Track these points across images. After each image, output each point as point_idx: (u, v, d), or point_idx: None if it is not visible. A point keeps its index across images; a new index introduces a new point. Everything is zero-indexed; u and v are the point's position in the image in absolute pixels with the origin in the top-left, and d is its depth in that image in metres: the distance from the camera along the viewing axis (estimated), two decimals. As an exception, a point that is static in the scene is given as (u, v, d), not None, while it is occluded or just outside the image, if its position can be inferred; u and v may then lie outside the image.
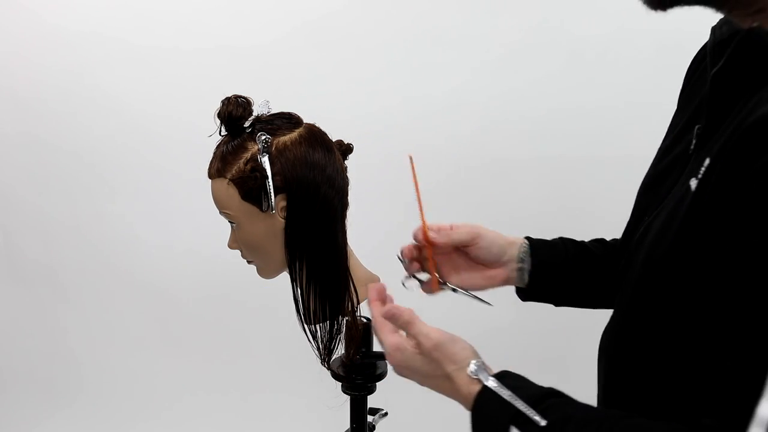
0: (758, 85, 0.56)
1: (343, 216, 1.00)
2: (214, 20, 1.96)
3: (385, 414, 1.12)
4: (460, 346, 0.74)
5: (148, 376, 2.24)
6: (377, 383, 1.06)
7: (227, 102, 0.93)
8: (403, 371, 0.77)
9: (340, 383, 1.06)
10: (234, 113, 0.92)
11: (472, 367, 0.70)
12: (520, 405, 0.65)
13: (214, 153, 0.95)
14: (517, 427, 0.64)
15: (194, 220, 2.02)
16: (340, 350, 1.04)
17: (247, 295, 1.96)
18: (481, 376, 0.69)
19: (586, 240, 0.98)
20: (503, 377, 0.70)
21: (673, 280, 0.61)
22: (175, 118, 2.01)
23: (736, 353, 0.52)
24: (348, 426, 1.09)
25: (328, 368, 1.04)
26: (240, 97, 0.93)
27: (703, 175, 0.60)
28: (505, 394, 0.66)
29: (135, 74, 2.02)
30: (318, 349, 1.01)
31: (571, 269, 0.93)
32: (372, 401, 1.09)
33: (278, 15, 1.92)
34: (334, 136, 1.00)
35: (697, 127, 0.66)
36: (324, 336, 1.00)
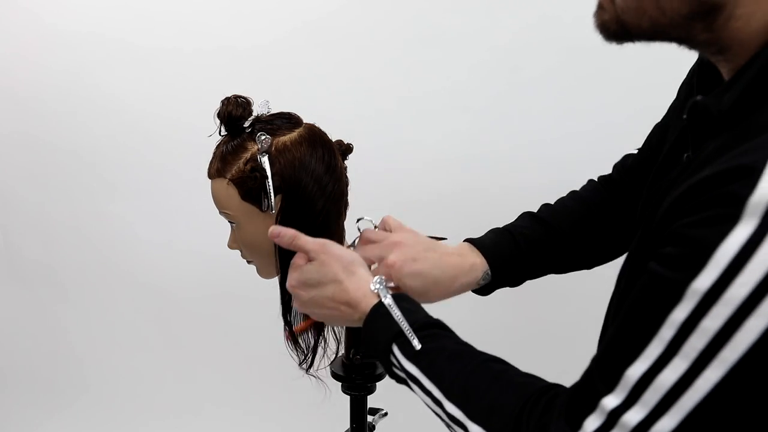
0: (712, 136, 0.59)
1: (343, 216, 1.00)
2: (214, 20, 1.96)
3: (385, 414, 1.12)
4: (344, 249, 0.82)
5: (148, 375, 2.24)
6: (377, 383, 1.06)
7: (227, 102, 0.93)
8: (300, 292, 0.80)
9: (340, 383, 1.06)
10: (234, 113, 0.92)
11: (376, 281, 0.77)
12: (405, 326, 0.72)
13: (214, 153, 0.95)
14: (398, 346, 0.72)
15: (194, 220, 2.02)
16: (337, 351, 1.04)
17: (247, 294, 1.96)
18: (382, 293, 0.76)
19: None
20: (400, 298, 0.76)
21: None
22: (175, 118, 2.01)
23: (601, 350, 0.60)
24: (348, 426, 1.09)
25: (307, 372, 1.04)
26: (240, 97, 0.93)
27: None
28: (396, 314, 0.73)
29: (135, 74, 2.02)
30: (302, 351, 1.02)
31: (526, 262, 0.95)
32: (372, 401, 1.09)
33: (278, 15, 1.92)
34: (334, 136, 1.00)
35: (686, 155, 0.67)
36: (308, 339, 1.01)
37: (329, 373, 1.06)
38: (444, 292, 0.89)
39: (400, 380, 0.75)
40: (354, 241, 0.95)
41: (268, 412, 2.15)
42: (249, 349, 2.15)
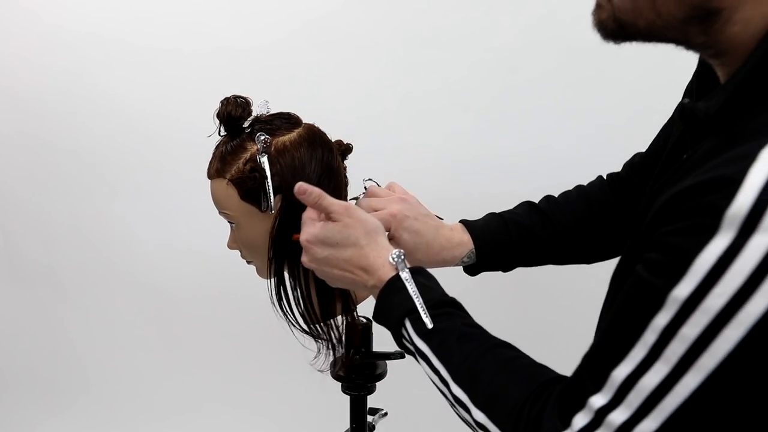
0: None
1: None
2: (214, 21, 1.96)
3: (385, 414, 1.12)
4: (368, 215, 0.82)
5: (148, 375, 2.24)
6: (377, 383, 1.06)
7: (226, 102, 0.93)
8: (315, 248, 0.80)
9: (340, 383, 1.06)
10: (233, 113, 0.92)
11: (395, 255, 0.77)
12: (419, 303, 0.72)
13: (214, 153, 0.95)
14: (410, 322, 0.73)
15: (194, 220, 2.02)
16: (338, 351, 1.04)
17: (247, 295, 1.96)
18: (400, 266, 0.76)
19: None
20: (417, 273, 0.77)
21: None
22: (175, 118, 2.01)
23: (592, 351, 0.61)
24: (348, 426, 1.09)
25: (340, 368, 1.03)
26: (239, 97, 0.93)
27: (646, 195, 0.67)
28: (412, 289, 0.74)
29: (135, 74, 2.02)
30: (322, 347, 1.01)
31: (516, 250, 0.97)
32: (372, 401, 1.09)
33: (277, 15, 1.92)
34: (333, 136, 1.00)
35: (685, 155, 0.68)
36: (331, 335, 1.00)
37: (329, 373, 1.06)
38: (429, 258, 0.93)
39: (408, 352, 0.76)
40: (360, 195, 0.97)
41: (268, 412, 2.15)
42: (249, 349, 2.15)
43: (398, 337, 0.76)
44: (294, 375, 2.05)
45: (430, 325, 0.71)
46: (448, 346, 0.70)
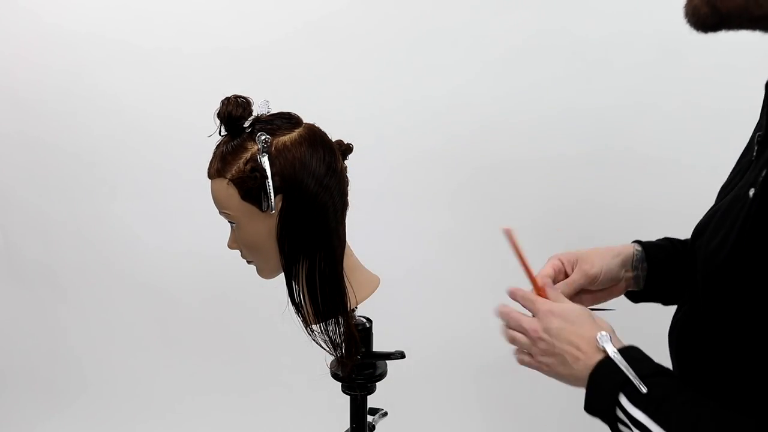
0: None
1: (343, 216, 1.00)
2: (215, 21, 1.96)
3: (385, 414, 1.12)
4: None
5: (148, 376, 2.24)
6: (377, 383, 1.06)
7: (227, 102, 0.93)
8: (551, 320, 0.80)
9: (340, 383, 1.06)
10: (234, 113, 0.92)
11: (600, 337, 0.76)
12: (631, 375, 0.71)
13: (214, 153, 0.95)
14: (625, 394, 0.71)
15: (194, 220, 2.02)
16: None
17: (247, 295, 1.96)
18: (607, 347, 0.75)
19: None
20: (627, 349, 0.75)
21: (734, 283, 0.66)
22: (175, 118, 2.01)
23: None
24: (348, 426, 1.09)
25: (346, 361, 1.03)
26: (240, 97, 0.93)
27: (760, 185, 0.62)
28: (622, 364, 0.72)
29: (135, 75, 2.02)
30: (329, 346, 1.01)
31: (683, 268, 0.93)
32: (372, 401, 1.09)
33: (278, 16, 1.92)
34: (334, 136, 1.00)
35: (758, 134, 0.67)
36: (329, 335, 1.00)
37: (329, 373, 1.06)
38: (605, 257, 0.93)
39: (626, 426, 0.72)
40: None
41: (268, 412, 2.15)
42: (248, 349, 2.15)
43: (612, 419, 0.73)
44: (294, 375, 2.05)
45: (644, 390, 0.70)
46: (665, 410, 0.68)
